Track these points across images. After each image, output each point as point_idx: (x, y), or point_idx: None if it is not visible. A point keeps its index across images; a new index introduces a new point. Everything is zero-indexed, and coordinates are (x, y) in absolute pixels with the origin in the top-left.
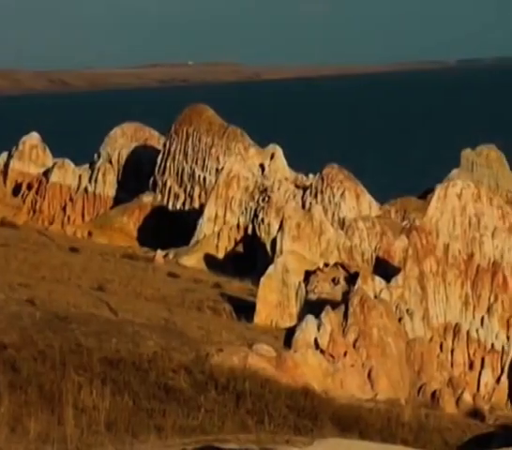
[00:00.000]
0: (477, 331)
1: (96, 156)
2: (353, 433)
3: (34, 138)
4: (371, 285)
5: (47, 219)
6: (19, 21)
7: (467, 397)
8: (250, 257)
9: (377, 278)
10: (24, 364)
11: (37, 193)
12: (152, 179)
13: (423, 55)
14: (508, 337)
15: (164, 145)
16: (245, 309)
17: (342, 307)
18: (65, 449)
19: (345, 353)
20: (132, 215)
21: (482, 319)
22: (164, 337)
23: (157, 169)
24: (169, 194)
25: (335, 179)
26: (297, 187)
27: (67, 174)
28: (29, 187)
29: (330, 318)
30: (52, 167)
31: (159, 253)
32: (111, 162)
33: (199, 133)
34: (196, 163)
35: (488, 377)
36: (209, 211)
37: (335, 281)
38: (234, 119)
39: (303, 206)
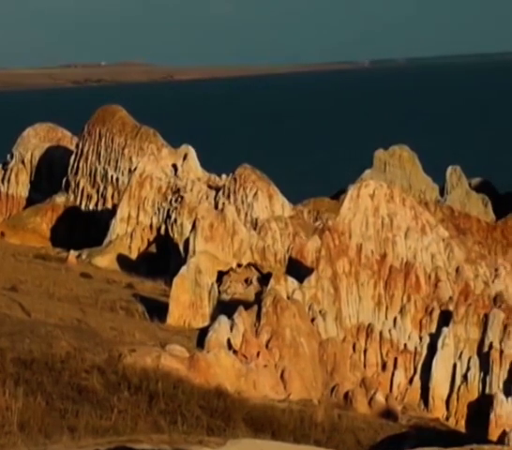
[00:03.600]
0: (390, 331)
1: (8, 156)
2: (266, 434)
3: None
4: (284, 285)
5: None
6: None
7: (380, 397)
8: (163, 257)
9: (290, 279)
10: None
11: None
12: (65, 180)
13: (337, 56)
14: (421, 338)
15: (77, 146)
16: (158, 310)
17: (255, 308)
18: None
19: (258, 354)
20: (45, 215)
21: (395, 319)
22: (77, 338)
23: (69, 169)
24: (82, 195)
25: (247, 180)
26: (210, 187)
27: None
28: None
29: (243, 318)
30: None
31: (72, 254)
32: (23, 163)
33: (112, 134)
34: (109, 164)
35: (400, 377)
36: (122, 211)
37: (248, 282)
38: (147, 119)
39: (216, 207)
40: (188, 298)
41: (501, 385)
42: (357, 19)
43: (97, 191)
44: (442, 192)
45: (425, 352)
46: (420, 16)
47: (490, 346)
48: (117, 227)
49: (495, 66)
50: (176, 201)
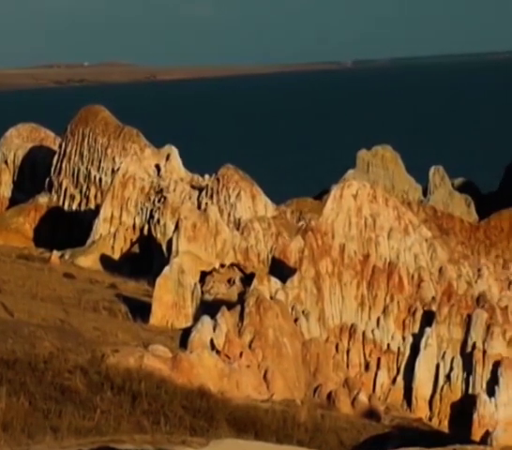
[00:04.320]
0: (373, 332)
1: None
2: (249, 434)
3: None
4: (267, 286)
5: None
6: None
7: (363, 397)
8: (146, 257)
9: (273, 279)
10: None
11: None
12: (48, 180)
13: (320, 56)
14: (404, 338)
15: (60, 146)
16: (141, 310)
17: (238, 308)
18: None
19: (241, 354)
20: (28, 215)
21: (378, 319)
22: (60, 338)
23: (52, 169)
24: (65, 195)
25: (230, 180)
26: (193, 187)
27: None
28: None
29: (226, 318)
30: None
31: (55, 254)
32: (6, 163)
33: (95, 134)
34: (92, 164)
35: (383, 378)
36: (105, 212)
37: (230, 282)
38: (130, 120)
39: (199, 207)
40: (170, 298)
41: (484, 385)
42: (341, 19)
43: (80, 191)
44: (425, 192)
45: (408, 352)
46: (403, 16)
47: (473, 346)
48: (100, 227)
49: (479, 66)
50: (159, 201)
